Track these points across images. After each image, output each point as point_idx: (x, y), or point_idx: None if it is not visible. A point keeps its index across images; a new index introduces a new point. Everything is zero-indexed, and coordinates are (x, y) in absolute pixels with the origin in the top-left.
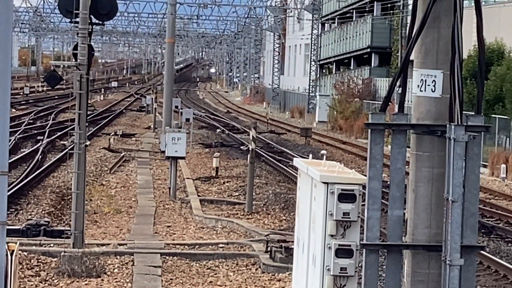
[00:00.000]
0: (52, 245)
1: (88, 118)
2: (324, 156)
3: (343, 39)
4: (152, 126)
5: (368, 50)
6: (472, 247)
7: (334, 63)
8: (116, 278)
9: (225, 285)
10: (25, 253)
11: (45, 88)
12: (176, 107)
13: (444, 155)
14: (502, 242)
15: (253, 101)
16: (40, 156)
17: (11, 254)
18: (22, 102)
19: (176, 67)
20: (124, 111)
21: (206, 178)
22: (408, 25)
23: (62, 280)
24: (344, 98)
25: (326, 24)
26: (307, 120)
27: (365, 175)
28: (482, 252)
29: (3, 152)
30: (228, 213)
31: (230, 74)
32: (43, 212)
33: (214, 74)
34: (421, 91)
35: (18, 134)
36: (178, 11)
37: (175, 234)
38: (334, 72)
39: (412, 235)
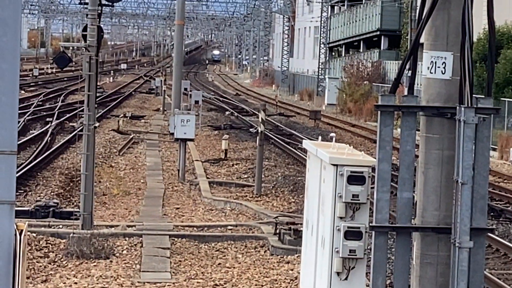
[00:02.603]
0: (61, 226)
1: (97, 100)
2: (333, 139)
3: (353, 22)
4: (161, 108)
5: (378, 33)
6: (481, 229)
7: (344, 46)
8: (124, 260)
9: (234, 267)
10: (34, 235)
11: (54, 70)
12: (185, 89)
13: (453, 137)
14: (511, 225)
15: (262, 83)
16: (49, 138)
17: (20, 234)
18: (32, 84)
19: (185, 50)
20: (133, 93)
21: (215, 160)
22: (418, 7)
23: (70, 261)
24: (354, 81)
25: (335, 7)
26: (316, 103)
27: (375, 158)
28: (491, 235)
29: (12, 131)
30: (237, 195)
31: (240, 56)
32: (52, 193)
33: (218, 56)
34: (431, 73)
35: (27, 116)
36: None
37: (184, 216)
38: (343, 54)
39: (421, 217)
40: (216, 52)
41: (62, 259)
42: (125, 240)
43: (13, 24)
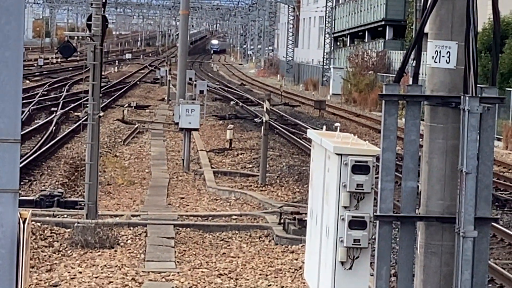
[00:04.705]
0: (65, 216)
1: (102, 89)
2: (338, 128)
3: (358, 12)
4: (166, 98)
5: (383, 23)
6: (485, 219)
7: (349, 36)
8: (129, 249)
9: (238, 257)
10: (39, 224)
11: (59, 60)
12: (190, 79)
13: (458, 127)
14: None
15: (267, 73)
16: (54, 127)
17: (23, 223)
18: (36, 74)
19: (190, 39)
20: (138, 83)
21: (220, 150)
22: None
23: (75, 251)
24: (358, 71)
25: None
26: (321, 93)
27: (379, 147)
28: (495, 225)
29: (15, 120)
30: (241, 185)
31: (244, 46)
32: (57, 183)
33: (217, 47)
34: (435, 62)
35: (32, 106)
36: None
37: (188, 205)
38: (348, 44)
39: (425, 207)
40: (215, 42)
41: (66, 249)
42: (130, 229)
43: (16, 12)
